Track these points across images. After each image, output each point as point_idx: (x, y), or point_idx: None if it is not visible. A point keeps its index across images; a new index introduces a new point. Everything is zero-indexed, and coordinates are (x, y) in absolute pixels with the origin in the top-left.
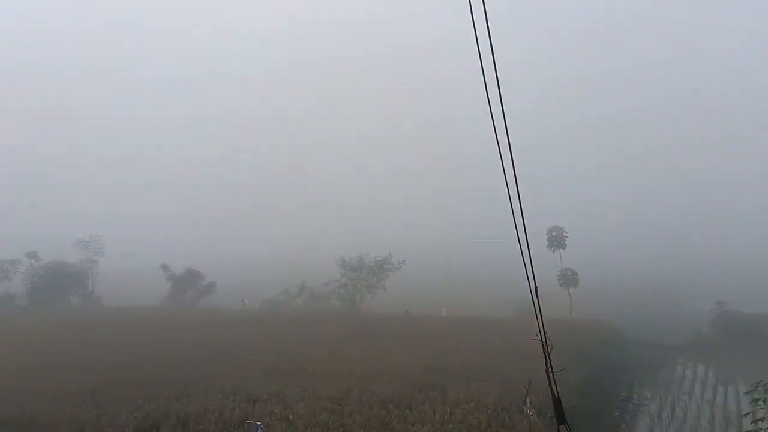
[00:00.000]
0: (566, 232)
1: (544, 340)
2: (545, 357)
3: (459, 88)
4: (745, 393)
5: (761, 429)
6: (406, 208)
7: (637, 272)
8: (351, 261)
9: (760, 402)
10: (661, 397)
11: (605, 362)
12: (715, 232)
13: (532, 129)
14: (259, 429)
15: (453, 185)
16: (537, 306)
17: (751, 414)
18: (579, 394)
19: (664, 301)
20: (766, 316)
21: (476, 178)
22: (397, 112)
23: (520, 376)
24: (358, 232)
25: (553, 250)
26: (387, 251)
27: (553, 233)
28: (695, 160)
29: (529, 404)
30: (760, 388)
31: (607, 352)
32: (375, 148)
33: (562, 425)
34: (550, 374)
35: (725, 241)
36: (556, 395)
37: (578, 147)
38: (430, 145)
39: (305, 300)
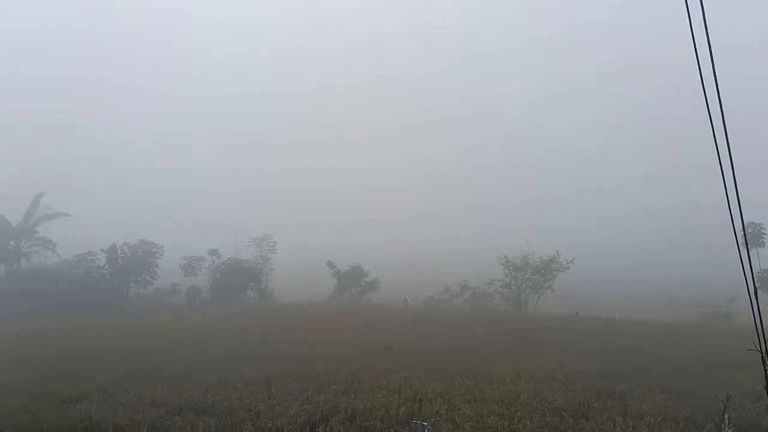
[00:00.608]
0: (765, 229)
1: (764, 351)
2: (765, 370)
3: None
4: None
5: None
6: (571, 203)
7: None
8: (515, 260)
9: None
10: None
11: None
12: None
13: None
14: (426, 429)
15: (630, 171)
16: (757, 312)
17: None
18: None
19: None
20: None
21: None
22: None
23: (710, 389)
24: (518, 229)
25: (751, 249)
26: (554, 250)
27: (749, 230)
28: None
29: (727, 421)
30: None
31: None
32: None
33: None
34: None
35: None
36: None
37: None
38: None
39: (467, 299)
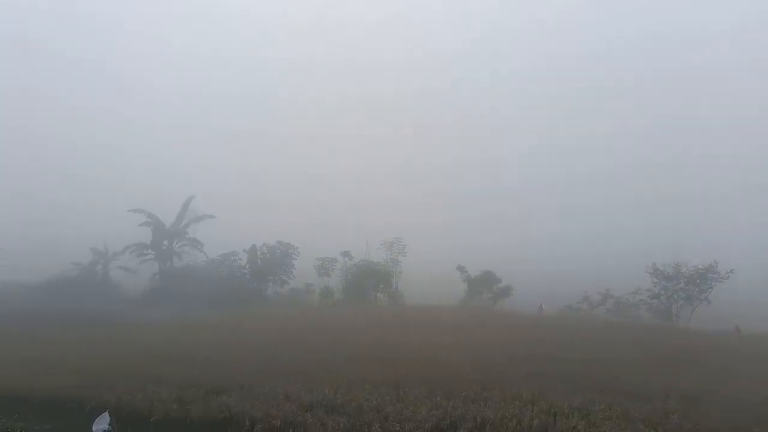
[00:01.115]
0: None
1: None
2: None
3: None
4: None
5: None
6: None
7: None
8: (665, 268)
9: None
10: None
11: None
12: None
13: None
14: None
15: None
16: None
17: None
18: None
19: None
20: None
21: None
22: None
23: None
24: (669, 232)
25: None
26: (711, 257)
27: None
28: None
29: None
30: None
31: None
32: None
33: None
34: None
35: None
36: None
37: None
38: None
39: (609, 309)
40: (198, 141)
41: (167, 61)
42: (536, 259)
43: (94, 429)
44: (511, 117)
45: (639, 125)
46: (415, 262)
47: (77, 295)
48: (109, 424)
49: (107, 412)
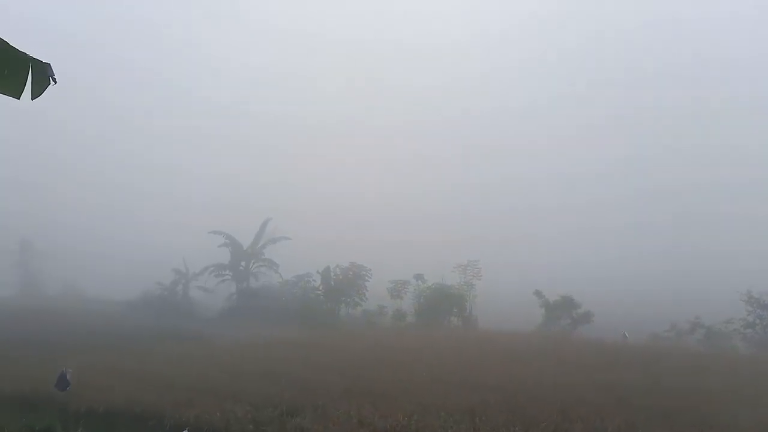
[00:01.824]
0: None
1: None
2: None
3: None
4: None
5: None
6: None
7: None
8: (761, 296)
9: None
10: None
11: None
12: None
13: None
14: None
15: None
16: None
17: None
18: None
19: None
20: None
21: None
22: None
23: None
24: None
25: None
26: None
27: None
28: None
29: None
30: None
31: None
32: None
33: None
34: None
35: None
36: None
37: None
38: None
39: (699, 339)
40: (270, 159)
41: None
42: (615, 279)
43: None
44: (593, 126)
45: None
46: (491, 284)
47: (162, 312)
48: None
49: (186, 430)
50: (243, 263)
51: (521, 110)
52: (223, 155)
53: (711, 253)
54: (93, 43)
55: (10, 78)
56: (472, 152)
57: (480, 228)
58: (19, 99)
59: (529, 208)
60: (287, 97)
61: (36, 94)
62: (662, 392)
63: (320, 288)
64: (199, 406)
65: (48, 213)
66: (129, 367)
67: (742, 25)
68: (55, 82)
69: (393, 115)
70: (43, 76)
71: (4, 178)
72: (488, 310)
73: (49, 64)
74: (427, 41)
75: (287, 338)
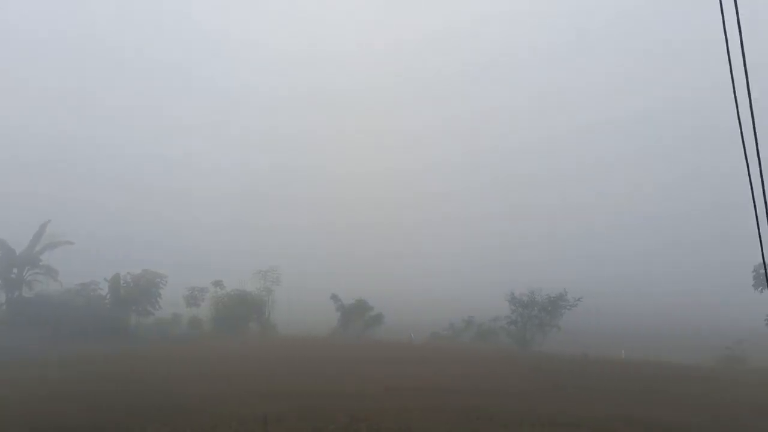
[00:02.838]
0: None
1: None
2: None
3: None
4: None
5: None
6: (584, 239)
7: None
8: (522, 296)
9: None
10: None
11: None
12: None
13: None
14: None
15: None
16: None
17: None
18: None
19: None
20: None
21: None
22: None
23: None
24: (529, 264)
25: (761, 290)
26: (561, 287)
27: (761, 270)
28: None
29: None
30: None
31: None
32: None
33: None
34: None
35: None
36: None
37: None
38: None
39: (472, 336)
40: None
41: None
42: (405, 286)
43: None
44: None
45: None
46: (291, 289)
47: None
48: None
49: None
50: (15, 270)
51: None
52: None
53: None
54: None
55: None
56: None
57: (284, 236)
58: None
59: (329, 221)
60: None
61: None
62: (440, 387)
63: (107, 297)
64: None
65: None
66: None
67: None
68: None
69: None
70: None
71: None
72: (288, 316)
73: None
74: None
75: (67, 352)
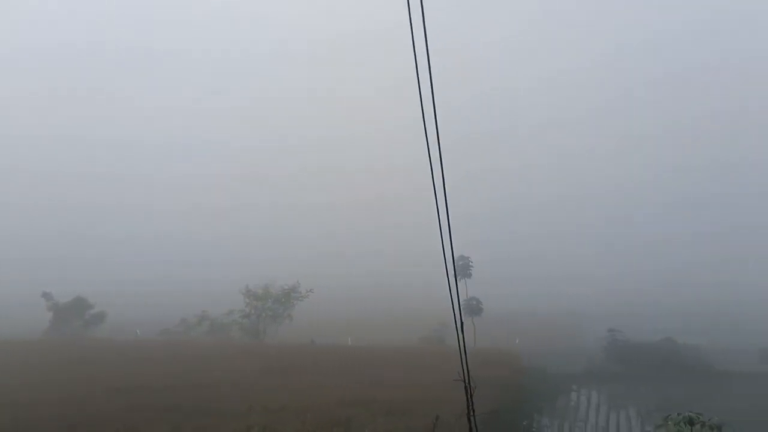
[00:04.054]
0: (472, 262)
1: (467, 380)
2: (467, 398)
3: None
4: (657, 427)
5: None
6: (318, 238)
7: (541, 302)
8: (256, 289)
9: None
10: (560, 425)
11: (509, 392)
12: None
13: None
14: None
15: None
16: (462, 345)
17: None
18: (485, 428)
19: (564, 329)
20: (653, 344)
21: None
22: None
23: (430, 408)
24: (264, 260)
25: (460, 279)
26: (294, 280)
27: (460, 263)
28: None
29: None
30: (670, 423)
31: (510, 381)
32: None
33: None
34: (472, 417)
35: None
36: None
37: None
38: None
39: (205, 331)
40: None
41: None
42: (131, 282)
43: None
44: None
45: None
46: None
47: None
48: None
49: None
50: None
51: None
52: None
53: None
54: None
55: None
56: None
57: None
58: None
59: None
60: None
61: None
62: (168, 386)
63: None
64: None
65: None
66: None
67: None
68: None
69: None
70: None
71: None
72: None
73: None
74: None
75: None
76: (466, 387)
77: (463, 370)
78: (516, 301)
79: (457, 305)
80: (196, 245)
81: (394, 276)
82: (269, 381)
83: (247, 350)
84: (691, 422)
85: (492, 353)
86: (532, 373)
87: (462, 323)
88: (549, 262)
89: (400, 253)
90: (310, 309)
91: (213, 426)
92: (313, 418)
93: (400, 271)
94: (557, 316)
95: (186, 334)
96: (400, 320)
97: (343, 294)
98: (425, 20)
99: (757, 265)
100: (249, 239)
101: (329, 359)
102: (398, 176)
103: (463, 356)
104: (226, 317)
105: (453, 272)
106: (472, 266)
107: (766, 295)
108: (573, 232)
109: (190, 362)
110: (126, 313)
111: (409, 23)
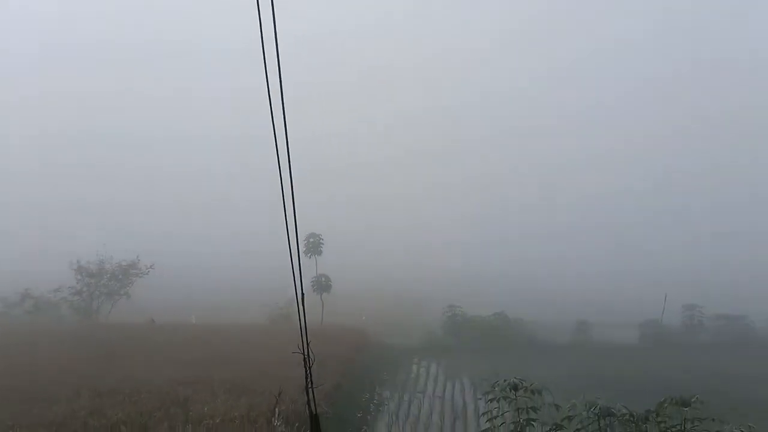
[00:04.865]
0: (323, 239)
1: (306, 353)
2: (306, 371)
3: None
4: (485, 393)
5: (496, 426)
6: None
7: (387, 278)
8: (89, 265)
9: (496, 402)
10: (400, 396)
11: (354, 367)
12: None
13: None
14: None
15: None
16: (302, 318)
17: (488, 413)
18: (331, 401)
19: (407, 305)
20: (486, 319)
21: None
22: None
23: (273, 385)
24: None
25: (310, 257)
26: (134, 255)
27: (311, 240)
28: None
29: (277, 415)
30: (496, 389)
31: (356, 356)
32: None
33: None
34: (311, 390)
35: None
36: (314, 412)
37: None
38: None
39: (28, 310)
40: None
41: None
42: None
43: None
44: None
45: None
46: None
47: None
48: None
49: None
50: None
51: None
52: None
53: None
54: None
55: None
56: None
57: None
58: None
59: None
60: None
61: None
62: None
63: None
64: None
65: None
66: None
67: None
68: None
69: None
70: None
71: None
72: None
73: None
74: None
75: None
76: (304, 359)
77: (302, 342)
78: (364, 281)
79: (299, 275)
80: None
81: (244, 255)
82: (101, 363)
83: (77, 331)
84: (515, 387)
85: (339, 330)
86: (376, 348)
87: (303, 294)
88: (399, 247)
89: (253, 232)
90: (151, 287)
91: (35, 413)
92: (148, 400)
93: (250, 250)
94: (403, 294)
95: (6, 315)
96: (247, 299)
97: (189, 272)
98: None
99: (573, 240)
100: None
101: (169, 339)
102: (248, 149)
103: (303, 328)
104: (54, 295)
105: (296, 243)
106: (323, 243)
107: (581, 270)
108: (424, 224)
109: (11, 345)
110: None
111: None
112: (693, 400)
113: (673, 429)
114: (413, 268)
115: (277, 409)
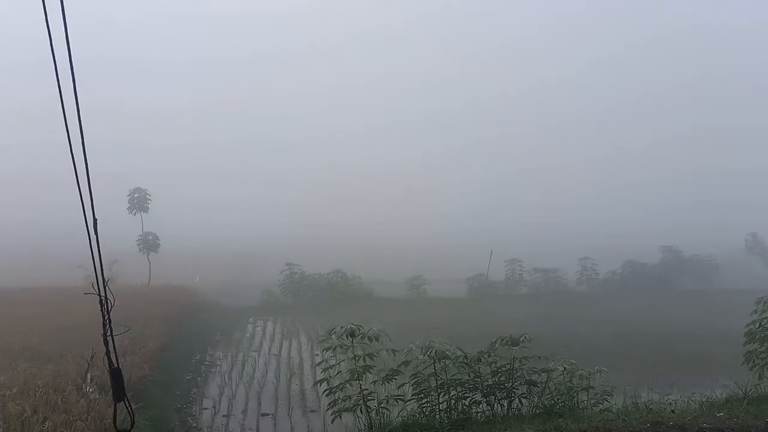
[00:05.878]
0: (150, 195)
1: (105, 295)
2: (104, 316)
3: None
4: (320, 341)
5: (332, 376)
6: None
7: (225, 242)
8: None
9: (331, 351)
10: (233, 356)
11: (184, 328)
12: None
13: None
14: None
15: None
16: (96, 247)
17: (324, 362)
18: (155, 364)
19: (244, 264)
20: (324, 276)
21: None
22: None
23: (86, 349)
24: None
25: (135, 214)
26: None
27: (136, 195)
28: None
29: (89, 380)
30: (333, 337)
31: (187, 317)
32: None
33: (121, 402)
34: (110, 338)
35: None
36: (115, 365)
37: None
38: None
39: None
40: None
41: None
42: None
43: None
44: None
45: None
46: None
47: None
48: None
49: None
50: None
51: None
52: None
53: None
54: None
55: None
56: None
57: None
58: None
59: None
60: None
61: None
62: None
63: None
64: None
65: None
66: None
67: None
68: None
69: None
70: None
71: None
72: None
73: None
74: None
75: None
76: (100, 300)
77: (96, 281)
78: (198, 239)
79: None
80: None
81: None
82: None
83: None
84: (352, 334)
85: (168, 291)
86: (210, 309)
87: (96, 220)
88: (239, 203)
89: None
90: None
91: None
92: None
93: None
94: (241, 254)
95: None
96: (61, 261)
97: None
98: None
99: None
100: None
101: None
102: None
103: (98, 263)
104: None
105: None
106: (149, 200)
107: (414, 234)
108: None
109: None
110: None
111: None
112: (522, 339)
113: (504, 368)
114: (253, 226)
115: (89, 375)
